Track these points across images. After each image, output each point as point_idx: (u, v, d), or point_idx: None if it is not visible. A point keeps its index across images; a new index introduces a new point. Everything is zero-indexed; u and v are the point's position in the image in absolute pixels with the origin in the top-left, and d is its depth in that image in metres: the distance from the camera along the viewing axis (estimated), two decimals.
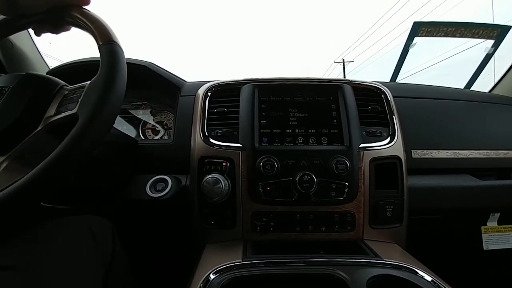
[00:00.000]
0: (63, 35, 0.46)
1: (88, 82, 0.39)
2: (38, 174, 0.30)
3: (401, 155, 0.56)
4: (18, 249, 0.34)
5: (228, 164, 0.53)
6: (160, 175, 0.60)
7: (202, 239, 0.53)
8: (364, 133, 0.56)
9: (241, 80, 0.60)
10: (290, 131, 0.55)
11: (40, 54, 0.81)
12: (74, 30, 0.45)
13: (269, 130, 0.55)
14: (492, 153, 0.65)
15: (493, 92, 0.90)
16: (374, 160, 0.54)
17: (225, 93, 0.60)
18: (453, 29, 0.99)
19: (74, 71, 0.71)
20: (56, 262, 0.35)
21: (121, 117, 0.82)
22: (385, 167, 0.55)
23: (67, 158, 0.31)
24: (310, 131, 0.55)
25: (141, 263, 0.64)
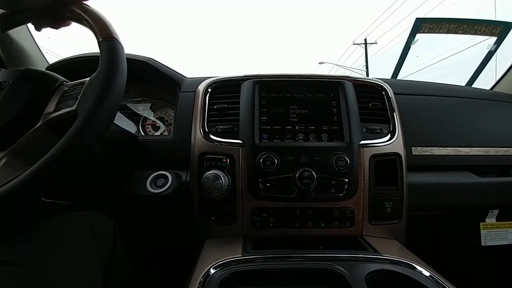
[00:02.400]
0: (63, 29, 0.46)
1: (87, 79, 0.39)
2: (37, 170, 0.30)
3: (401, 152, 0.56)
4: (19, 245, 0.34)
5: (228, 160, 0.53)
6: (160, 171, 0.60)
7: (202, 235, 0.53)
8: (364, 129, 0.56)
9: (241, 76, 0.60)
10: (291, 127, 0.55)
11: (39, 49, 0.81)
12: (74, 25, 0.45)
13: (269, 127, 0.54)
14: (492, 151, 0.65)
15: (495, 89, 0.90)
16: (374, 156, 0.54)
17: (225, 89, 0.60)
18: (456, 25, 0.98)
19: (73, 66, 0.71)
20: (57, 258, 0.35)
21: (121, 113, 0.82)
22: (385, 163, 0.55)
23: (66, 155, 0.31)
24: (310, 127, 0.55)
25: (141, 259, 0.65)
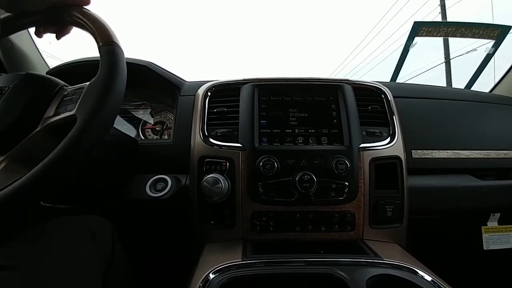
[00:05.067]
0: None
1: (87, 83, 0.39)
2: (36, 175, 0.30)
3: (401, 155, 0.56)
4: (18, 248, 0.34)
5: (228, 164, 0.53)
6: (160, 175, 0.60)
7: (202, 239, 0.53)
8: (364, 133, 0.56)
9: (241, 80, 0.60)
10: (290, 131, 0.55)
11: (40, 54, 0.81)
12: (74, 30, 0.45)
13: (269, 130, 0.54)
14: (492, 153, 0.65)
15: (493, 92, 0.90)
16: (374, 160, 0.54)
17: (225, 93, 0.60)
18: (454, 29, 0.99)
19: (74, 71, 0.71)
20: (56, 262, 0.35)
21: (121, 116, 0.82)
22: (385, 167, 0.55)
23: (65, 159, 0.31)
24: (310, 131, 0.55)
25: (140, 263, 0.64)
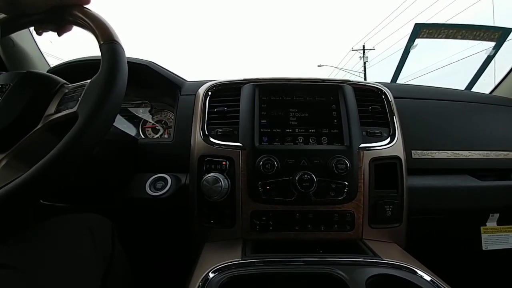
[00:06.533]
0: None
1: (88, 81, 0.39)
2: (37, 172, 0.30)
3: (401, 155, 0.56)
4: (18, 247, 0.34)
5: (228, 163, 0.53)
6: (160, 173, 0.60)
7: (202, 238, 0.53)
8: (364, 133, 0.56)
9: (241, 80, 0.60)
10: (290, 130, 0.55)
11: (41, 52, 0.81)
12: (75, 29, 0.45)
13: (269, 130, 0.55)
14: (492, 154, 0.65)
15: (494, 93, 0.90)
16: (374, 160, 0.54)
17: (225, 92, 0.61)
18: (454, 31, 0.99)
19: (74, 69, 0.71)
20: (55, 261, 0.35)
21: (121, 115, 0.82)
22: (385, 167, 0.55)
23: (67, 156, 0.32)
24: (310, 130, 0.55)
25: (140, 262, 0.64)
